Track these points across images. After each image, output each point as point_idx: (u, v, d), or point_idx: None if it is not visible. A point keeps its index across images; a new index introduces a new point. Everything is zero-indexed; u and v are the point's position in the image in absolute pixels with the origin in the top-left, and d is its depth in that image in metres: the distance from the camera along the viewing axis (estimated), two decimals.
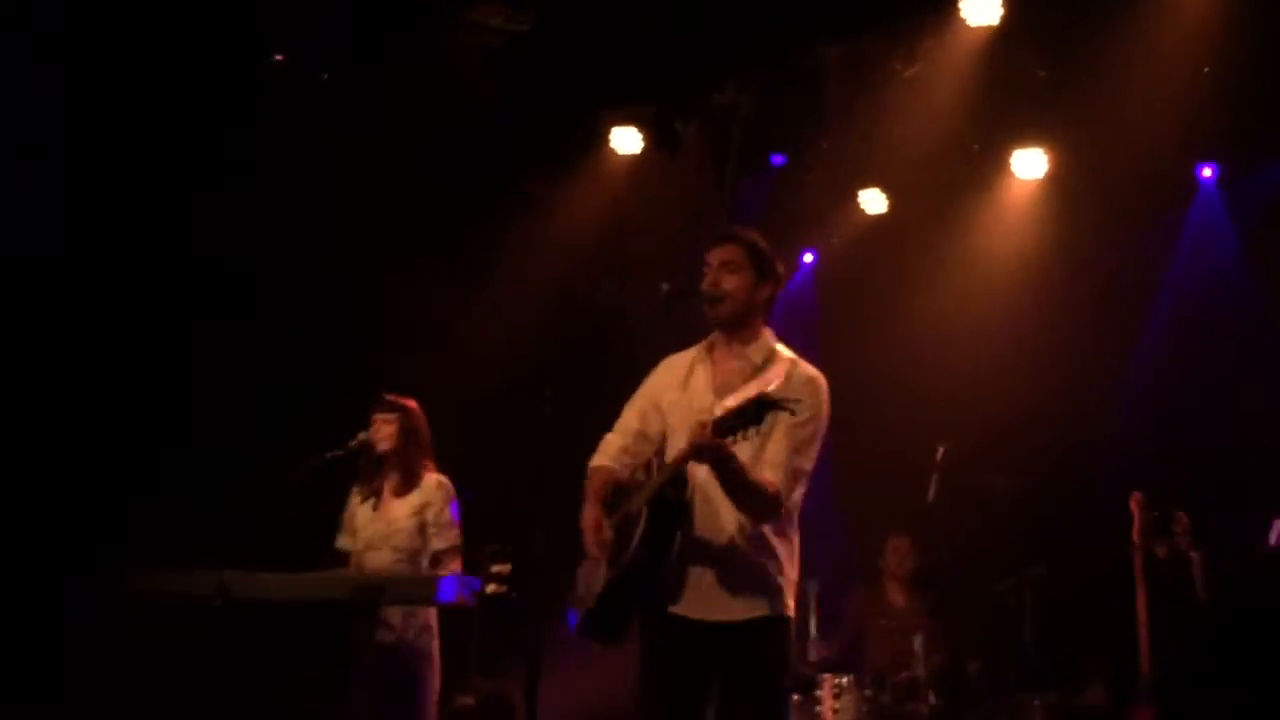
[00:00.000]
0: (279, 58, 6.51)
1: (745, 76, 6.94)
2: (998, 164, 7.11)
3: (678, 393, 3.75)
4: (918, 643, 6.21)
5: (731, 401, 3.46)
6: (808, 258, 8.00)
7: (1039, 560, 6.19)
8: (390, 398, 5.02)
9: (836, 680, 6.08)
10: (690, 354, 3.82)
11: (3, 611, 5.23)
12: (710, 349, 3.79)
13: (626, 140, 7.12)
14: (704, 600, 3.60)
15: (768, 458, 3.59)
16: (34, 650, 5.11)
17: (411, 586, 4.68)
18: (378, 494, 4.98)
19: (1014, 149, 6.99)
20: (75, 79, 5.75)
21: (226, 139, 6.22)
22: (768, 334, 3.77)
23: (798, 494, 3.66)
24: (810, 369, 3.72)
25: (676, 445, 3.67)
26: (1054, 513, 6.73)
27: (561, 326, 6.97)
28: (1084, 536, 6.47)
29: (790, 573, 3.68)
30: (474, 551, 4.83)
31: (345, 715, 4.66)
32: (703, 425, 3.44)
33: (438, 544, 4.89)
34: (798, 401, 3.42)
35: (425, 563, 4.88)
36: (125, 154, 6.05)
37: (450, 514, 4.91)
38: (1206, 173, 7.13)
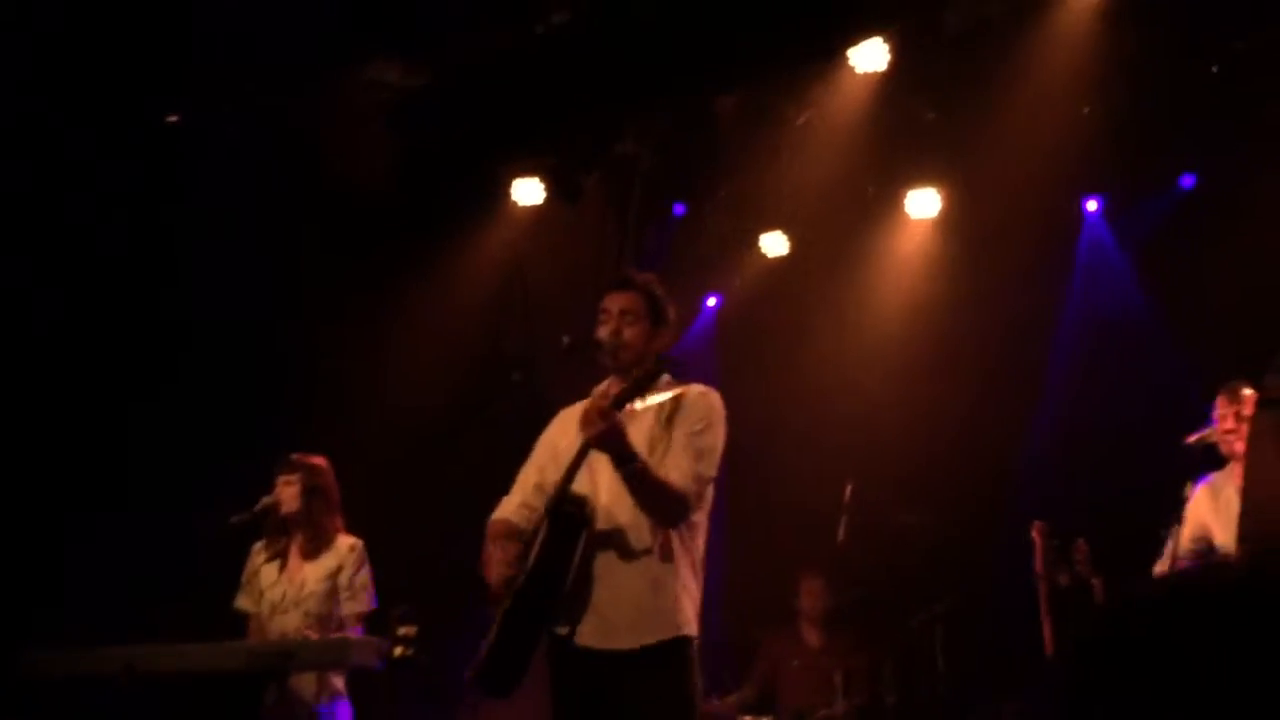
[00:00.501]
0: (173, 118, 6.47)
1: (644, 126, 7.04)
2: (892, 204, 7.25)
3: (574, 437, 3.72)
4: (837, 680, 6.26)
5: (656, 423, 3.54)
6: (710, 302, 8.08)
7: (948, 594, 6.28)
8: (295, 457, 4.94)
9: None
10: (585, 402, 3.82)
11: None
12: (604, 395, 3.78)
13: (528, 191, 7.14)
14: (604, 627, 3.55)
15: (670, 462, 3.61)
16: None
17: (324, 651, 4.60)
18: (283, 555, 4.89)
19: (907, 189, 7.13)
20: None
21: (128, 200, 6.13)
22: (664, 379, 3.75)
23: (702, 500, 3.67)
24: (700, 386, 3.78)
25: (575, 489, 3.63)
26: (962, 546, 6.83)
27: (468, 380, 6.95)
28: (991, 568, 6.58)
29: (693, 587, 3.66)
30: (382, 613, 4.78)
31: None
32: (598, 405, 3.47)
33: (349, 608, 4.80)
34: (682, 364, 3.52)
35: (334, 626, 4.81)
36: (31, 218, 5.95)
37: (364, 577, 4.82)
38: (1092, 205, 7.35)
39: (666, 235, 7.50)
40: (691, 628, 3.62)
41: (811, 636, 6.80)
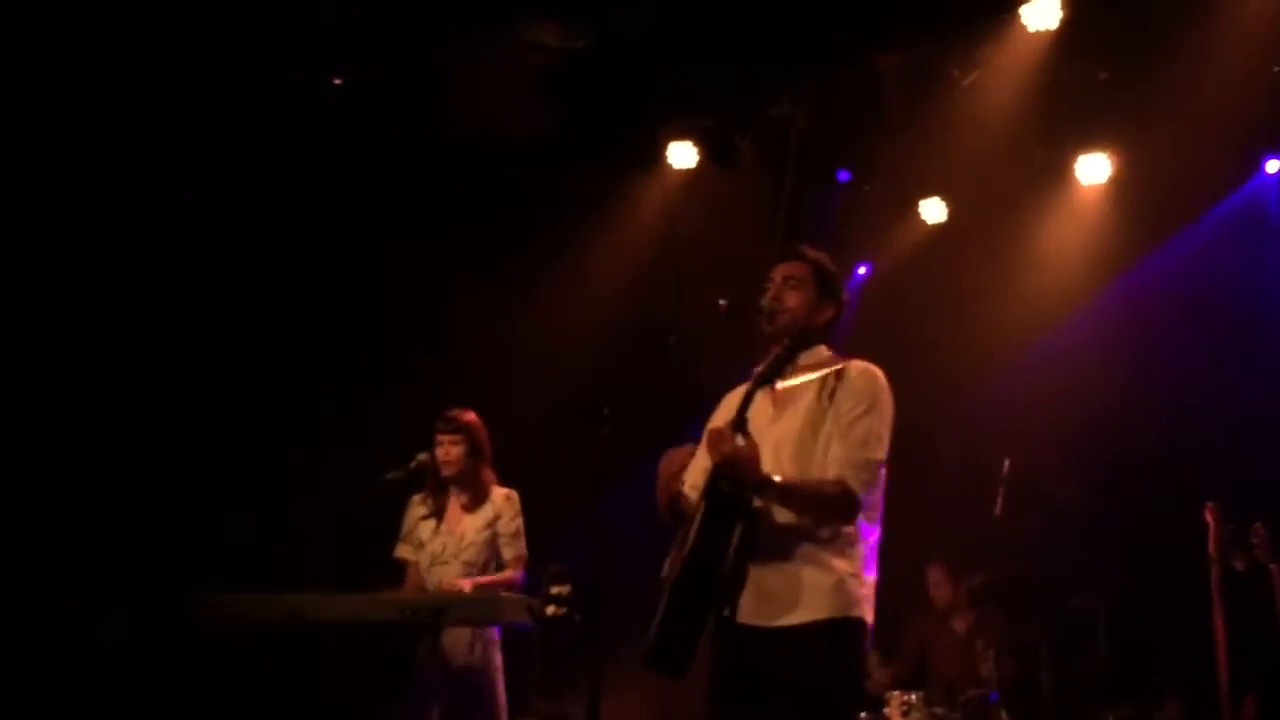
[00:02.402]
0: (337, 81, 6.57)
1: (801, 88, 6.89)
2: (1060, 170, 6.99)
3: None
4: (990, 657, 6.11)
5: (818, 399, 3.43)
6: (860, 270, 7.92)
7: (1112, 573, 6.06)
8: (453, 414, 5.01)
9: (905, 697, 5.98)
10: (746, 384, 3.69)
11: (71, 639, 5.29)
12: (765, 370, 3.67)
13: (683, 155, 7.08)
14: (767, 604, 3.41)
15: (834, 453, 3.45)
16: (102, 677, 5.16)
17: (477, 607, 4.68)
18: (442, 510, 4.99)
19: (1077, 154, 6.87)
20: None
21: (290, 158, 6.25)
22: (823, 348, 3.65)
23: (873, 486, 3.47)
24: (863, 363, 3.61)
25: None
26: (1126, 524, 6.59)
27: (619, 344, 6.95)
28: (1158, 549, 6.32)
29: (865, 573, 3.48)
30: (534, 573, 4.83)
31: None
32: (715, 436, 3.34)
33: (507, 553, 4.95)
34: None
35: (492, 572, 4.93)
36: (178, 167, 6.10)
37: (519, 524, 4.97)
38: (1272, 167, 6.93)
39: (822, 200, 7.35)
40: (859, 609, 3.46)
41: (956, 618, 6.65)
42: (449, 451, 4.96)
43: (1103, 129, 6.76)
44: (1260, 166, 6.94)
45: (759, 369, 3.63)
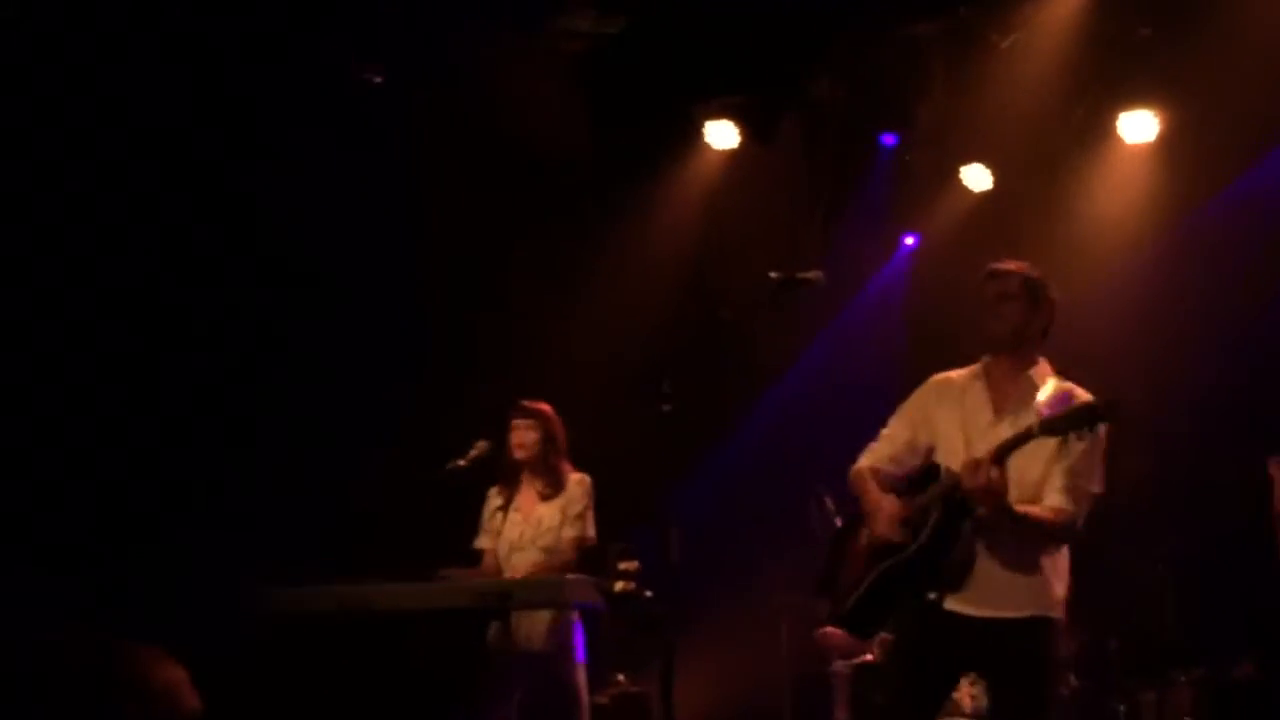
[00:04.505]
0: (377, 79, 6.59)
1: (838, 61, 6.85)
2: (1104, 129, 6.91)
3: (952, 412, 3.85)
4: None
5: (1054, 408, 3.54)
6: (908, 241, 7.87)
7: (1177, 534, 6.00)
8: (527, 404, 5.06)
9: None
10: (961, 375, 3.91)
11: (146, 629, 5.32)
12: (985, 372, 3.86)
13: (722, 134, 7.07)
14: (984, 595, 3.68)
15: (1060, 482, 3.66)
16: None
17: (541, 591, 4.70)
18: (515, 496, 5.03)
19: (1121, 112, 6.78)
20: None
21: (329, 152, 6.26)
22: (1045, 363, 3.86)
23: (1085, 515, 3.72)
24: (1085, 393, 3.74)
25: (946, 460, 3.77)
26: (1188, 486, 6.52)
27: (671, 321, 6.95)
28: (1222, 508, 6.25)
29: (1065, 581, 3.77)
30: (601, 550, 4.85)
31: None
32: (974, 467, 3.53)
33: (566, 533, 4.96)
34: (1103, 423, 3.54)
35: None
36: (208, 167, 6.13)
37: (584, 506, 4.99)
38: None
39: (866, 172, 7.31)
40: (1057, 610, 3.74)
41: None
42: (523, 436, 5.01)
43: (1146, 86, 6.67)
44: None
45: (979, 368, 3.86)
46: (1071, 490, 3.66)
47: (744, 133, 7.00)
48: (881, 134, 7.25)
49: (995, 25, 6.55)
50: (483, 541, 5.08)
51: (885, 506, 3.80)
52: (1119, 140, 6.93)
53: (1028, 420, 3.63)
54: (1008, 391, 3.79)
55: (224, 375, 5.80)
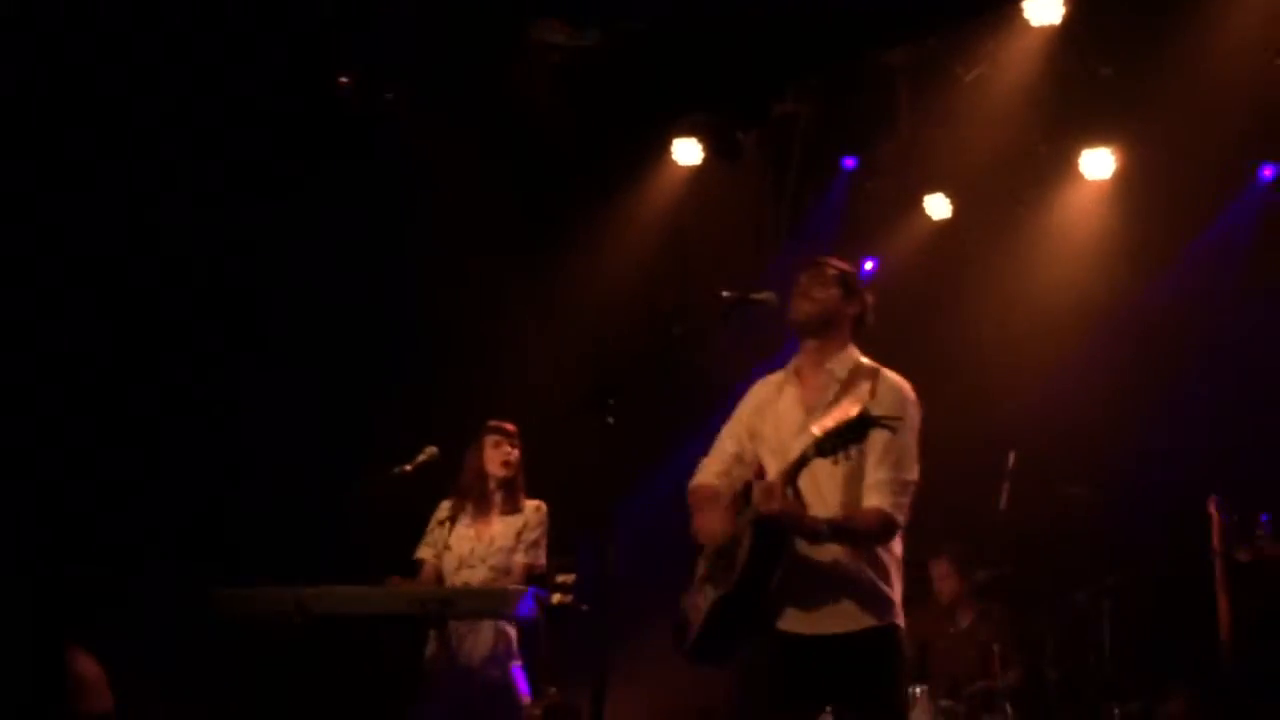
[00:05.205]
0: (343, 80, 6.59)
1: (805, 84, 6.91)
2: (1065, 165, 6.99)
3: (770, 417, 3.78)
4: (996, 651, 6.11)
5: (830, 421, 3.43)
6: (868, 265, 7.92)
7: (1116, 568, 6.05)
8: (503, 424, 5.05)
9: (910, 690, 5.98)
10: (778, 376, 3.84)
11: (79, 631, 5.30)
12: (796, 370, 3.80)
13: (688, 151, 7.11)
14: (814, 614, 3.61)
15: (871, 480, 3.59)
16: (109, 668, 5.17)
17: (482, 600, 4.68)
18: (468, 513, 4.98)
19: (1081, 149, 6.87)
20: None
21: (294, 163, 6.28)
22: (852, 349, 3.79)
23: (908, 506, 3.64)
24: (895, 377, 3.71)
25: (772, 471, 3.68)
26: (1130, 519, 6.58)
27: (625, 337, 6.97)
28: (1162, 543, 6.33)
29: (897, 583, 3.68)
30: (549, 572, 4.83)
31: None
32: (767, 491, 3.47)
33: (519, 559, 4.90)
34: (898, 419, 3.44)
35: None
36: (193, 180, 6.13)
37: (539, 535, 4.96)
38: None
39: (827, 196, 7.36)
40: (893, 614, 3.66)
41: (961, 613, 6.64)
42: (508, 454, 4.99)
43: (1107, 123, 6.76)
44: (1259, 170, 6.94)
45: (791, 366, 3.76)
46: (885, 486, 3.57)
47: (708, 150, 7.04)
48: (844, 158, 7.30)
49: (961, 58, 6.63)
50: (424, 552, 5.02)
51: (706, 521, 3.71)
52: (1079, 175, 7.01)
53: (839, 413, 3.52)
54: (815, 385, 3.71)
55: (172, 379, 5.80)
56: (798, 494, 3.50)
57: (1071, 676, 6.13)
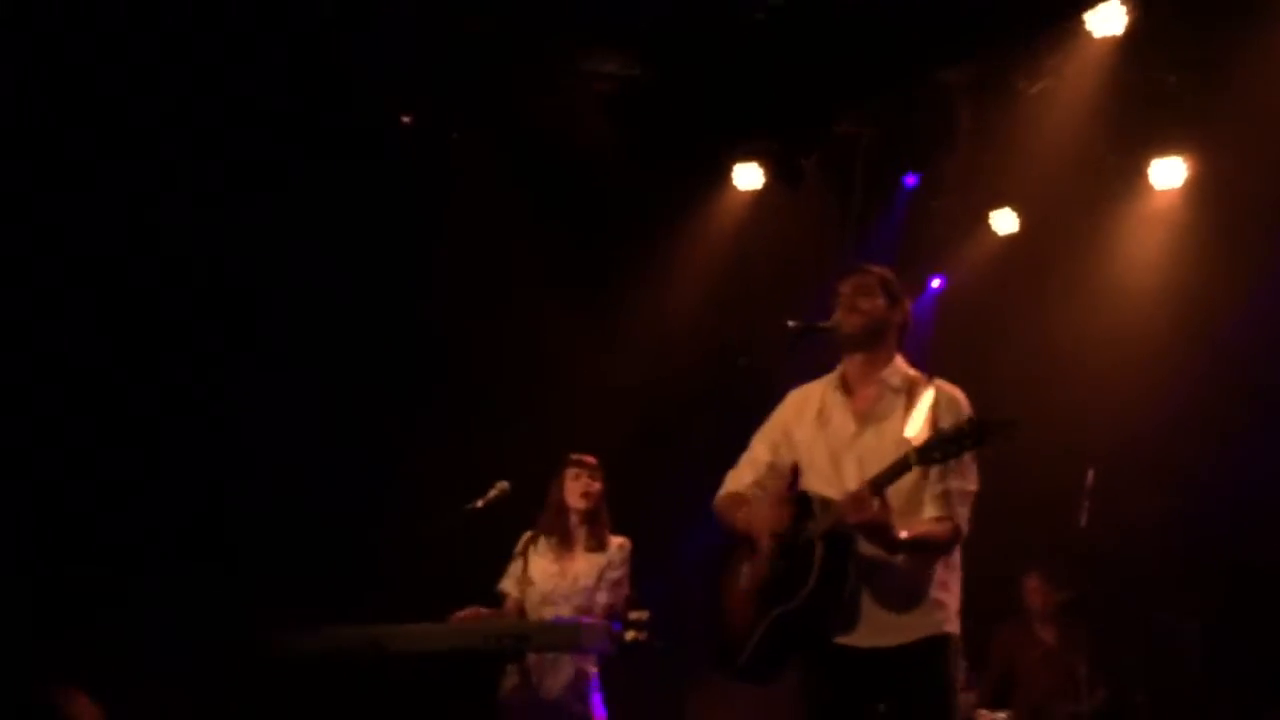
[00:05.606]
0: (406, 119, 6.66)
1: (866, 106, 6.86)
2: (1134, 175, 6.88)
3: (813, 427, 3.72)
4: (1081, 674, 5.99)
5: (929, 431, 3.41)
6: (935, 283, 7.84)
7: (1208, 587, 5.91)
8: (584, 458, 5.04)
9: (993, 717, 5.88)
10: (818, 386, 3.80)
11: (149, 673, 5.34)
12: (842, 380, 3.75)
13: (748, 176, 7.08)
14: (873, 627, 3.58)
15: (938, 490, 3.55)
16: (179, 710, 5.20)
17: (557, 635, 4.67)
18: (546, 547, 4.98)
19: (1151, 159, 6.76)
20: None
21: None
22: (900, 359, 3.74)
23: (968, 516, 3.61)
24: (950, 386, 3.68)
25: (812, 482, 3.66)
26: (1217, 533, 6.42)
27: (692, 366, 6.94)
28: (1253, 557, 6.16)
29: (955, 589, 3.65)
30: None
31: None
32: (857, 500, 3.42)
33: (602, 599, 4.89)
34: (1015, 423, 3.39)
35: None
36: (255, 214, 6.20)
37: (622, 574, 4.94)
38: None
39: (891, 216, 7.30)
40: (949, 625, 3.62)
41: (1045, 632, 6.52)
42: (589, 485, 4.97)
43: (1175, 132, 6.64)
44: None
45: (834, 377, 3.74)
46: (949, 496, 3.54)
47: (769, 175, 7.01)
48: (905, 176, 7.24)
49: (1024, 73, 6.55)
50: (507, 585, 5.01)
51: (757, 517, 3.64)
52: (1149, 186, 6.89)
53: (891, 427, 3.54)
54: (868, 396, 3.67)
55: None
56: (884, 503, 3.46)
57: (1162, 700, 5.99)
